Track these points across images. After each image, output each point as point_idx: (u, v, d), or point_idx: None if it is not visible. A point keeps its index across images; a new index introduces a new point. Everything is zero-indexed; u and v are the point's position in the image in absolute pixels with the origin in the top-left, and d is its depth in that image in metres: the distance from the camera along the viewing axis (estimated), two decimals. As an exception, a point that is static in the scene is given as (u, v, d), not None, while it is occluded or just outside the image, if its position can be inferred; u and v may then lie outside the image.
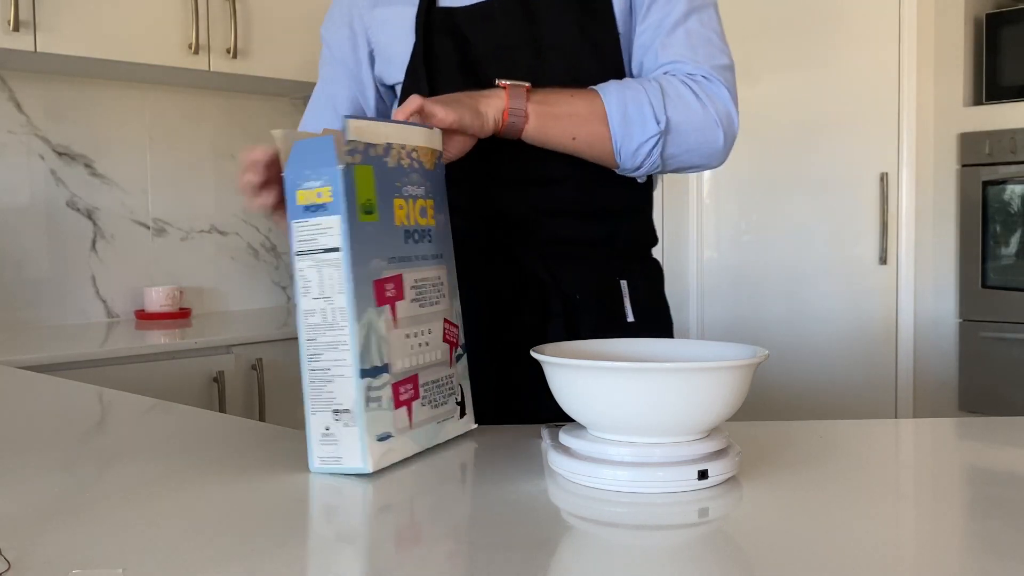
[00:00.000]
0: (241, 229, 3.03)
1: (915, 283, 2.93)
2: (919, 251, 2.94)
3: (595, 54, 1.15)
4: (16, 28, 2.21)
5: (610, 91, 1.09)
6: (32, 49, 2.26)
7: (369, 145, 0.86)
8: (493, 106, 1.04)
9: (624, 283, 1.22)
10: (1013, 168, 2.82)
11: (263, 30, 2.69)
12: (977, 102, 2.93)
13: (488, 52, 1.16)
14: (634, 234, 1.25)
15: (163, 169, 2.84)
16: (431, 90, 1.15)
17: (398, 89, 1.26)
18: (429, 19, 1.18)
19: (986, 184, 2.87)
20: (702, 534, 0.72)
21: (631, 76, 1.20)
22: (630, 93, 1.09)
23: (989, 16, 2.92)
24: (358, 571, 0.64)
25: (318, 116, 1.32)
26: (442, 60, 1.18)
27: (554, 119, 1.07)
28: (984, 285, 2.87)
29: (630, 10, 1.18)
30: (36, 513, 0.75)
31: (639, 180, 1.21)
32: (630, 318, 1.21)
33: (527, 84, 1.06)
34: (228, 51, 2.60)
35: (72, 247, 2.66)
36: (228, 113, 2.99)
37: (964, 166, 2.90)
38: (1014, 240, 2.84)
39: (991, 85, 2.90)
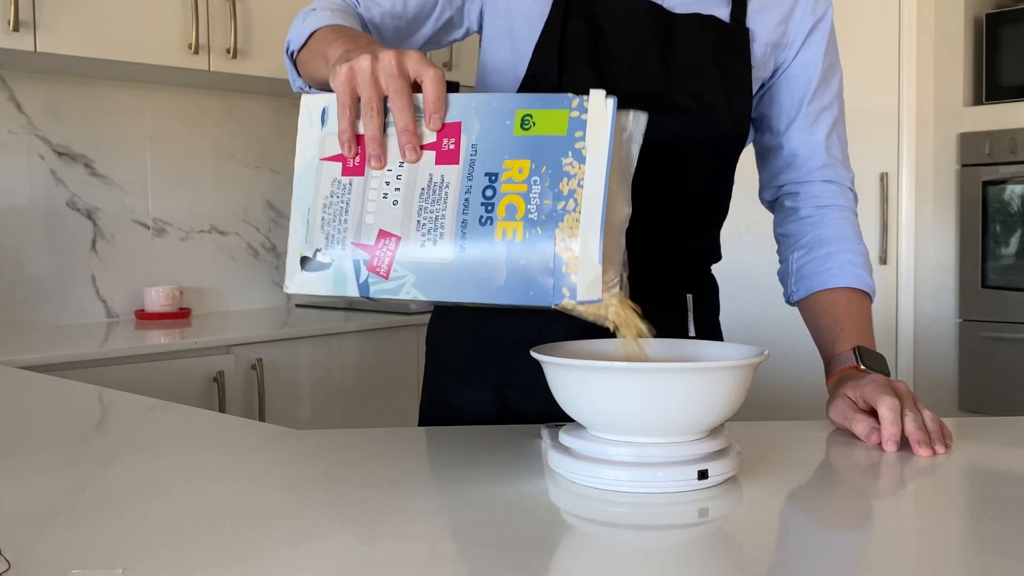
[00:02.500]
0: (241, 229, 3.03)
1: (915, 283, 2.93)
2: (919, 251, 2.94)
3: (723, 81, 1.14)
4: (16, 28, 2.21)
5: (871, 288, 1.19)
6: (32, 49, 2.26)
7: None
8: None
9: (690, 297, 1.22)
10: (1013, 168, 2.82)
11: (263, 30, 2.69)
12: (977, 102, 2.93)
13: (619, 52, 1.13)
14: (704, 248, 1.25)
15: (163, 169, 2.84)
16: (559, 76, 1.12)
17: (488, 39, 1.19)
18: (569, 1, 1.14)
19: (986, 184, 2.86)
20: (702, 534, 0.72)
21: (757, 111, 1.23)
22: (870, 287, 1.19)
23: (989, 16, 2.92)
24: (358, 571, 0.64)
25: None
26: (572, 46, 1.14)
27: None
28: (984, 285, 2.87)
29: (772, 59, 1.19)
30: (36, 513, 0.75)
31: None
32: (691, 332, 1.21)
33: (859, 356, 1.10)
34: (228, 51, 2.60)
35: (72, 247, 2.66)
36: (228, 113, 2.99)
37: (964, 166, 2.90)
38: (1014, 240, 2.84)
39: (991, 85, 2.90)
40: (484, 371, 1.18)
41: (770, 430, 1.03)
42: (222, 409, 2.28)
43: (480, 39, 1.22)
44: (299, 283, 0.85)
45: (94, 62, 2.43)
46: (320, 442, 1.00)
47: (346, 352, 2.60)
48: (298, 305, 3.12)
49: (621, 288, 0.81)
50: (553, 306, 0.77)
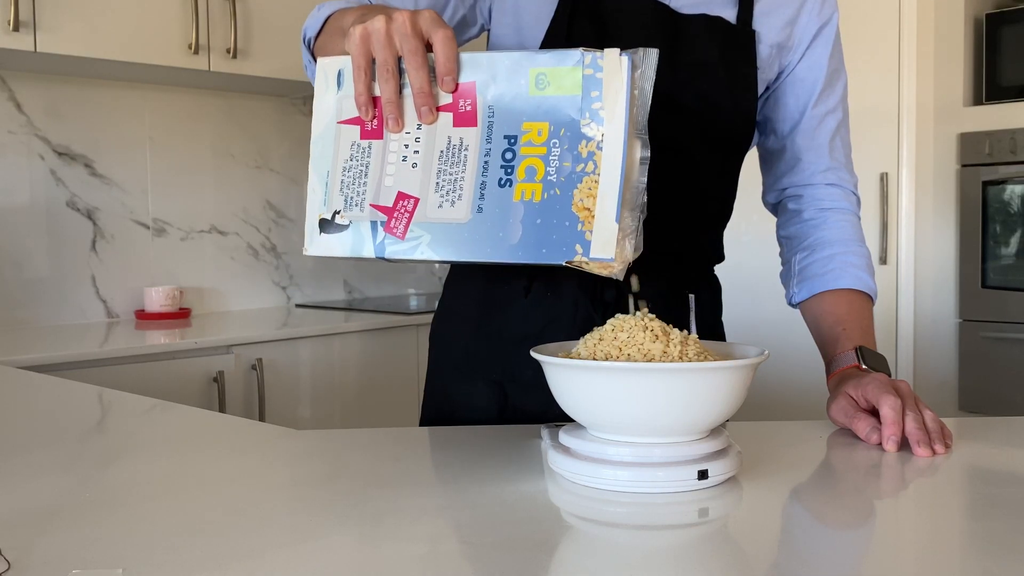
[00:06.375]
0: (241, 229, 3.03)
1: (915, 283, 2.93)
2: (919, 251, 2.94)
3: (728, 81, 1.15)
4: (16, 28, 2.21)
5: (873, 290, 1.19)
6: (32, 49, 2.26)
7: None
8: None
9: (692, 297, 1.22)
10: (1013, 168, 2.82)
11: (263, 30, 2.69)
12: (977, 102, 2.93)
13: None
14: (707, 249, 1.25)
15: (163, 169, 2.84)
16: None
17: (497, 36, 1.18)
18: (576, 0, 1.14)
19: (986, 184, 2.86)
20: (702, 534, 0.72)
21: (761, 114, 1.23)
22: (871, 289, 1.19)
23: (989, 16, 2.92)
24: (358, 571, 0.64)
25: None
26: (578, 45, 1.14)
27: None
28: (984, 285, 2.87)
29: (776, 60, 1.19)
30: (36, 513, 0.75)
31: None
32: (694, 332, 1.20)
33: (861, 357, 1.09)
34: (228, 51, 2.60)
35: (72, 247, 2.66)
36: (228, 113, 2.99)
37: (964, 166, 2.90)
38: (1014, 240, 2.84)
39: (991, 85, 2.90)
40: (487, 368, 1.18)
41: (770, 430, 1.03)
42: (222, 409, 2.28)
43: (488, 36, 1.22)
44: (318, 246, 0.85)
45: (94, 62, 2.43)
46: (320, 442, 1.00)
47: (346, 352, 2.60)
48: (298, 305, 3.12)
49: (638, 235, 0.81)
50: (564, 263, 0.78)
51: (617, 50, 0.78)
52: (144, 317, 2.71)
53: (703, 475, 0.78)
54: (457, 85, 0.81)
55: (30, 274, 2.58)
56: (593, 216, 0.77)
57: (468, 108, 0.81)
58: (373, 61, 0.81)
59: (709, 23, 1.14)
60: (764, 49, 1.17)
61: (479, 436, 0.98)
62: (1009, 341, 2.82)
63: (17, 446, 1.01)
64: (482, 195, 0.80)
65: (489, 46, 1.21)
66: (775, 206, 1.30)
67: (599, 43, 1.13)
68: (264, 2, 2.69)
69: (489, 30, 1.21)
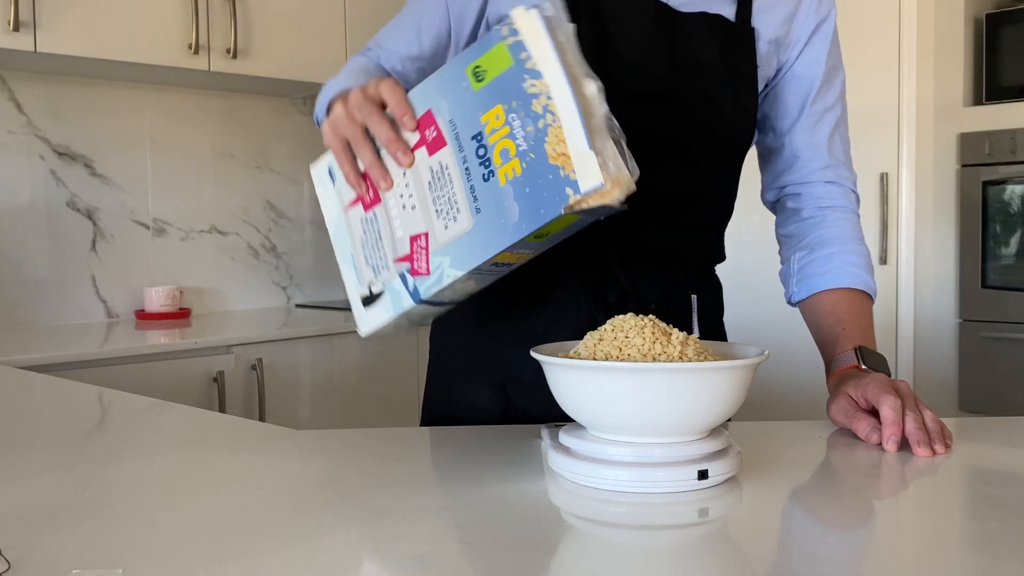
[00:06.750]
0: (241, 229, 3.03)
1: (915, 283, 2.93)
2: (919, 251, 2.94)
3: (729, 79, 1.15)
4: (16, 28, 2.21)
5: (872, 289, 1.18)
6: (32, 49, 2.26)
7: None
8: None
9: (694, 298, 1.22)
10: (1013, 168, 2.82)
11: (263, 30, 2.69)
12: (977, 102, 2.93)
13: (626, 51, 1.13)
14: (708, 248, 1.24)
15: (163, 169, 2.84)
16: None
17: None
18: (575, 2, 1.13)
19: (986, 184, 2.86)
20: (702, 534, 0.72)
21: (760, 112, 1.22)
22: (871, 288, 1.19)
23: (989, 16, 2.92)
24: (358, 571, 0.64)
25: (400, 40, 1.22)
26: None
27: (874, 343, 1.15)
28: (984, 285, 2.87)
29: (775, 56, 1.19)
30: (36, 513, 0.75)
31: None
32: (696, 332, 1.20)
33: (859, 358, 1.09)
34: (228, 51, 2.60)
35: (72, 247, 2.66)
36: (228, 113, 2.99)
37: (964, 166, 2.90)
38: (1014, 240, 2.84)
39: (991, 85, 2.90)
40: (488, 368, 1.18)
41: (770, 430, 1.03)
42: (222, 409, 2.28)
43: None
44: (368, 322, 0.92)
45: (94, 62, 2.43)
46: (320, 442, 1.00)
47: (346, 352, 2.60)
48: (298, 305, 3.12)
49: (624, 157, 0.83)
50: (563, 210, 0.80)
51: (522, 7, 0.82)
52: (144, 317, 2.71)
53: (703, 475, 0.78)
54: (416, 121, 0.86)
55: (30, 274, 2.58)
56: (569, 157, 0.79)
57: (435, 135, 0.85)
58: (348, 143, 0.89)
59: (708, 21, 1.14)
60: (763, 46, 1.17)
61: (479, 436, 0.98)
62: (1009, 341, 2.82)
63: (17, 446, 1.01)
64: (475, 197, 0.83)
65: None
66: (774, 204, 1.30)
67: (600, 45, 1.13)
68: (264, 2, 2.69)
69: None
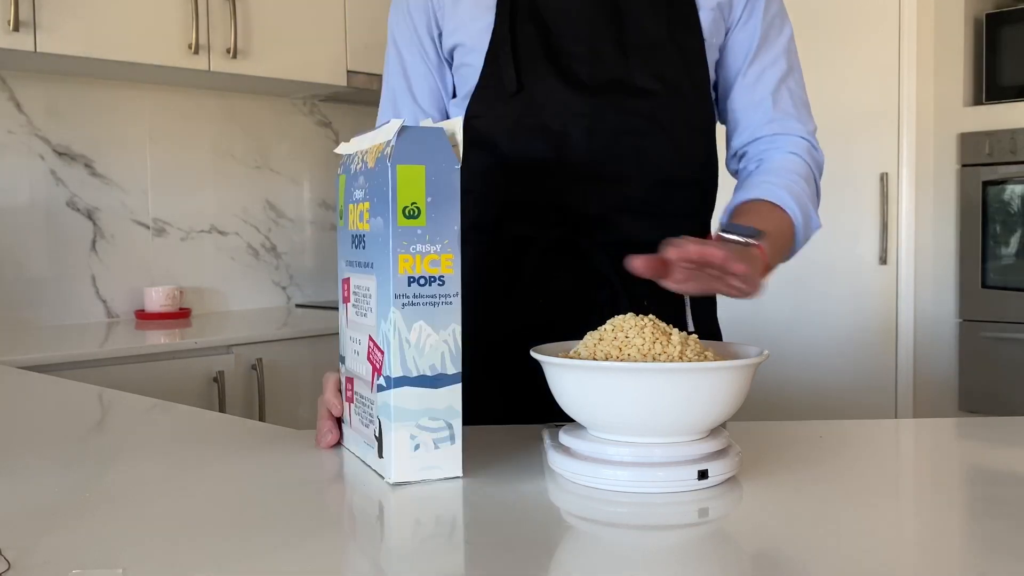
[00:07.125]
0: (241, 229, 3.03)
1: (915, 283, 2.93)
2: (919, 251, 2.94)
3: (681, 58, 1.14)
4: (16, 28, 2.21)
5: (797, 213, 1.12)
6: (32, 49, 2.26)
7: (348, 156, 0.94)
8: (763, 272, 1.00)
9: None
10: (1013, 168, 2.82)
11: (263, 30, 2.69)
12: (977, 102, 2.93)
13: (573, 44, 1.13)
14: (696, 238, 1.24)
15: (163, 169, 2.85)
16: (517, 77, 1.13)
17: (467, 72, 1.20)
18: (513, 3, 1.15)
19: (986, 184, 2.86)
20: (702, 534, 0.72)
21: (714, 87, 1.21)
22: (809, 211, 1.14)
23: (989, 16, 2.92)
24: (358, 571, 0.64)
25: (398, 108, 1.27)
26: (525, 48, 1.14)
27: (777, 255, 1.09)
28: (984, 285, 2.87)
29: (721, 21, 1.18)
30: (36, 513, 0.75)
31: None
32: (691, 328, 1.20)
33: (761, 241, 1.01)
34: (228, 51, 2.60)
35: (72, 247, 2.66)
36: (228, 113, 2.99)
37: (964, 166, 2.90)
38: (1014, 240, 2.84)
39: (991, 85, 2.90)
40: (487, 369, 1.18)
41: (770, 430, 1.03)
42: (222, 409, 2.28)
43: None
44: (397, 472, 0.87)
45: (94, 62, 2.43)
46: (320, 442, 1.00)
47: (346, 352, 2.60)
48: (298, 305, 3.12)
49: None
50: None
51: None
52: (144, 317, 2.71)
53: (703, 475, 0.78)
54: (327, 442, 0.96)
55: (30, 274, 2.59)
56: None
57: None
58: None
59: (651, 5, 1.14)
60: (706, 14, 1.16)
61: (479, 436, 0.98)
62: (1009, 341, 2.82)
63: (17, 446, 1.01)
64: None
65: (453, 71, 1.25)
66: (736, 174, 1.27)
67: (546, 42, 1.14)
68: (264, 2, 2.69)
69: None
